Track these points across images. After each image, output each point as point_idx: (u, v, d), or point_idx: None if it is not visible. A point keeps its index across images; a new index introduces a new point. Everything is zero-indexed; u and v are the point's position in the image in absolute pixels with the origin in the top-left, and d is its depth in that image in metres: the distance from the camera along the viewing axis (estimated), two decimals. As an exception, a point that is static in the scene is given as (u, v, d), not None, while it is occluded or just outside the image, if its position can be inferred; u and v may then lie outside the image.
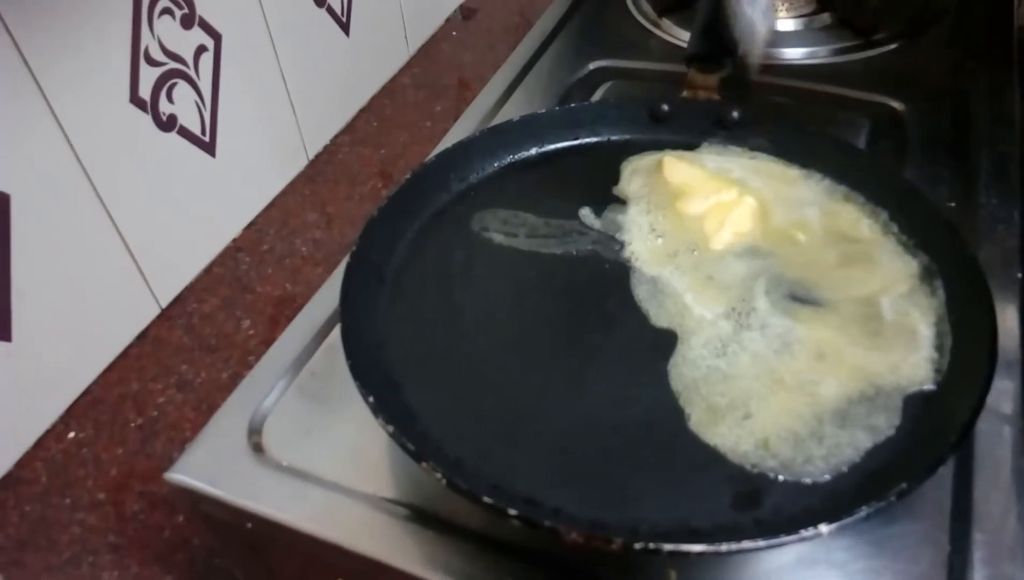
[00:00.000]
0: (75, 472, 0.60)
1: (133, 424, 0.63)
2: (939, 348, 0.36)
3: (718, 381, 0.36)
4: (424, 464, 0.31)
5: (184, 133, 0.69)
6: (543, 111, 0.50)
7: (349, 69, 0.89)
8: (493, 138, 0.48)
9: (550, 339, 0.39)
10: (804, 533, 0.28)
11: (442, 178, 0.46)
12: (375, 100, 0.94)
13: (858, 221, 0.41)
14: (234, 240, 0.78)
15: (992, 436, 0.36)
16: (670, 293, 0.40)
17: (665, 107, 0.49)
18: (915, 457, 0.31)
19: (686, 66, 0.52)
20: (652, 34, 0.68)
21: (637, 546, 0.28)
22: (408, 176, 0.45)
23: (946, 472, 0.36)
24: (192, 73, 0.69)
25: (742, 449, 0.33)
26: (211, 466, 0.39)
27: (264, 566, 0.42)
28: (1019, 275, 0.43)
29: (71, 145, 0.59)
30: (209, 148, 0.72)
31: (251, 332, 0.69)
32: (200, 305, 0.72)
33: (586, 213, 0.45)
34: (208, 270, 0.75)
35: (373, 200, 0.81)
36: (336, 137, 0.90)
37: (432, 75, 0.98)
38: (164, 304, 0.71)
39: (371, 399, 0.33)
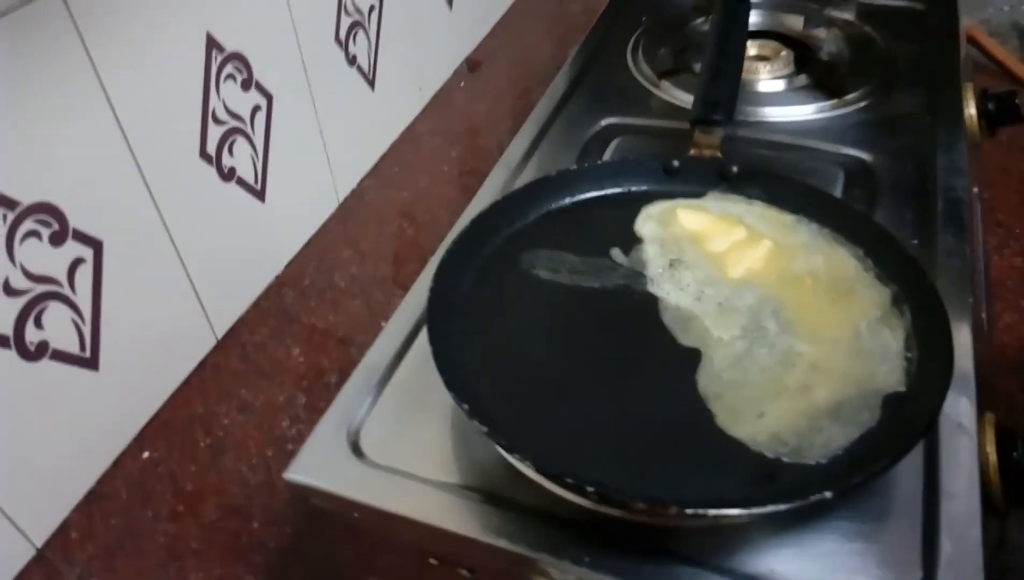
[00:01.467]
0: (153, 487, 0.67)
1: (202, 444, 0.70)
2: (908, 359, 0.45)
3: (736, 389, 0.45)
4: (516, 455, 0.39)
5: (241, 183, 0.78)
6: (574, 167, 0.59)
7: (374, 119, 0.98)
8: (534, 191, 0.57)
9: (595, 358, 0.48)
10: (814, 497, 0.36)
11: (494, 224, 0.55)
12: (396, 146, 1.04)
13: (845, 261, 0.51)
14: (277, 277, 0.86)
15: (952, 429, 0.46)
16: (692, 318, 0.49)
17: (676, 163, 0.59)
18: (893, 442, 0.40)
19: (690, 127, 0.62)
20: (653, 94, 0.78)
21: (688, 511, 0.36)
22: (468, 224, 0.54)
23: (918, 459, 0.45)
24: (249, 130, 0.77)
25: (759, 440, 0.42)
26: (322, 467, 0.47)
27: (365, 549, 0.50)
28: (969, 300, 0.53)
29: (152, 197, 0.67)
30: (260, 195, 0.81)
31: (300, 359, 0.77)
32: (252, 335, 0.80)
33: (616, 252, 0.54)
34: (256, 304, 0.83)
35: (400, 238, 0.90)
36: (363, 180, 0.98)
37: (445, 122, 1.07)
38: (220, 335, 0.79)
39: (465, 407, 0.42)
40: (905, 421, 0.42)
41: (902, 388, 0.44)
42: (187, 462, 0.69)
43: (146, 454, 0.70)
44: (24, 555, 0.62)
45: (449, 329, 0.47)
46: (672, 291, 0.50)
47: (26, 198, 0.57)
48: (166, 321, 0.72)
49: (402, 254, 0.88)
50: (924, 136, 0.68)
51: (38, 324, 0.59)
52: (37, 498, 0.63)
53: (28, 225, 0.57)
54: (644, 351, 0.48)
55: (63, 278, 0.61)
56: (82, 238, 0.62)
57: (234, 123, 0.75)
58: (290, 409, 0.72)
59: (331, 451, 0.48)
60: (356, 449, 0.48)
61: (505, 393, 0.46)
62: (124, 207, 0.65)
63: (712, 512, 0.36)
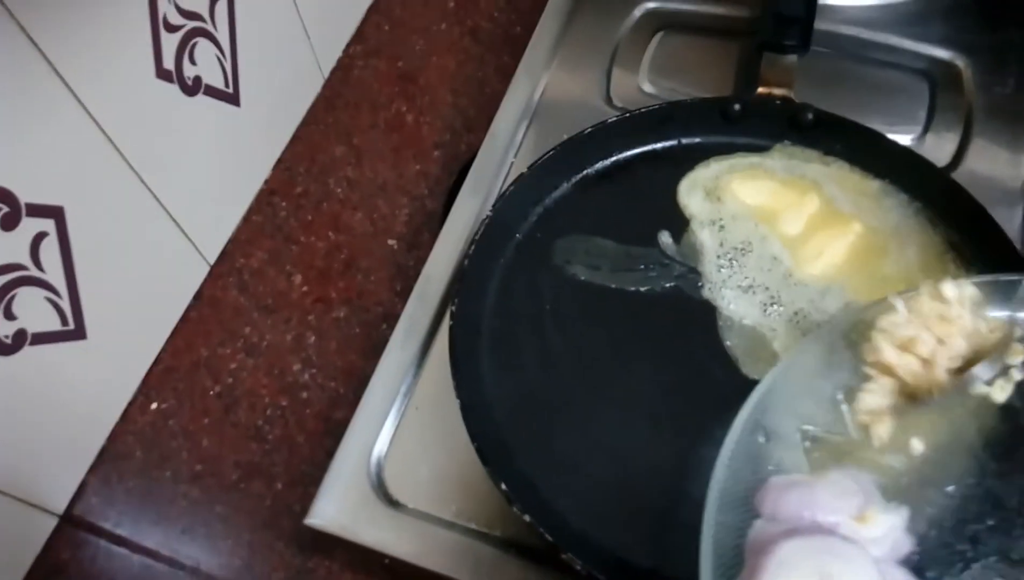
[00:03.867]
0: (167, 444, 0.64)
1: (212, 392, 0.66)
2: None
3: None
4: (565, 556, 0.35)
5: (210, 91, 0.66)
6: (612, 118, 0.49)
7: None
8: (565, 155, 0.48)
9: (646, 393, 0.42)
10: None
11: (521, 206, 0.47)
12: (382, -2, 0.88)
13: (942, 256, 0.43)
14: (266, 181, 0.76)
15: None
16: (758, 340, 0.42)
17: (737, 107, 0.49)
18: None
19: (756, 54, 0.50)
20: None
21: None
22: (489, 212, 0.45)
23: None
24: (210, 27, 0.64)
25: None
26: (344, 513, 0.43)
27: (396, 575, 0.48)
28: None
29: (110, 140, 0.57)
30: (234, 99, 0.69)
31: (304, 289, 0.71)
32: (247, 260, 0.73)
33: (665, 239, 0.46)
34: (247, 219, 0.74)
35: (398, 127, 0.80)
36: (348, 47, 0.85)
37: (438, -40, 0.90)
38: (212, 261, 0.72)
39: (504, 487, 0.37)
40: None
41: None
42: (199, 415, 0.65)
43: (154, 405, 0.66)
44: (47, 526, 0.61)
45: (473, 363, 0.41)
46: (734, 299, 0.43)
47: (-41, 190, 0.47)
48: (149, 262, 0.65)
49: (402, 149, 0.78)
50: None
51: (8, 315, 0.53)
52: (48, 471, 0.60)
53: (-30, 219, 0.48)
54: (703, 386, 0.42)
55: (26, 260, 0.53)
56: (38, 211, 0.53)
57: (191, 23, 0.62)
58: (300, 350, 0.68)
59: (354, 491, 0.44)
60: (381, 489, 0.44)
61: (547, 449, 0.41)
62: (80, 162, 0.55)
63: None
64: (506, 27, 0.84)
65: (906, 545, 0.33)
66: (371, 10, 0.87)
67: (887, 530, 0.32)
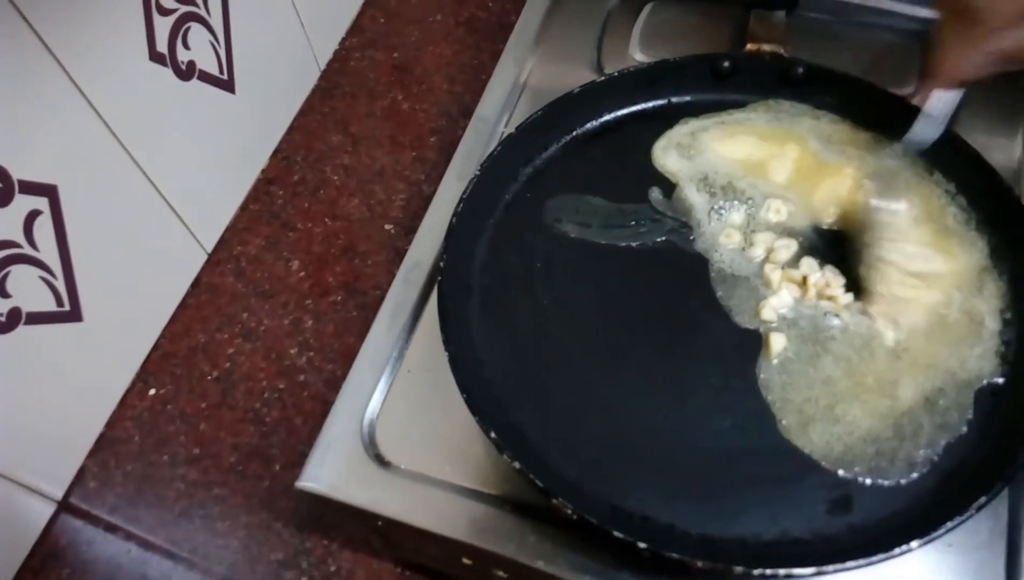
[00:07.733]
0: (165, 429, 0.64)
1: (209, 377, 0.66)
2: (1006, 341, 0.39)
3: (805, 385, 0.39)
4: (556, 501, 0.35)
5: (204, 77, 0.66)
6: (601, 77, 0.48)
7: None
8: (554, 115, 0.47)
9: (639, 346, 0.42)
10: (896, 551, 0.32)
11: (510, 166, 0.46)
12: (378, -11, 0.89)
13: (941, 204, 0.42)
14: (263, 171, 0.77)
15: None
16: (750, 289, 0.42)
17: (726, 64, 0.48)
18: (989, 457, 0.35)
19: (745, 12, 0.50)
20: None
21: (756, 572, 0.32)
22: (477, 171, 0.45)
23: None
24: (203, 12, 0.65)
25: (833, 454, 0.37)
26: (336, 475, 0.43)
27: (390, 542, 0.47)
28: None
29: (104, 121, 0.58)
30: (228, 86, 0.70)
31: (302, 274, 0.71)
32: (245, 247, 0.73)
33: (656, 196, 0.46)
34: (244, 207, 0.75)
35: (395, 116, 0.80)
36: (345, 40, 0.85)
37: (433, -47, 0.91)
38: (209, 249, 0.72)
39: (493, 435, 0.36)
40: (1002, 428, 0.36)
41: (998, 378, 0.38)
42: (196, 399, 0.65)
43: (152, 391, 0.66)
44: (45, 512, 0.61)
45: (463, 319, 0.41)
46: (725, 251, 0.43)
47: (-48, 165, 0.48)
48: (146, 248, 0.65)
49: (399, 136, 0.78)
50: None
51: (2, 293, 0.53)
52: (46, 456, 0.60)
53: (-37, 194, 0.49)
54: (696, 337, 0.41)
55: (20, 237, 0.53)
56: (32, 189, 0.53)
57: (184, 8, 0.63)
58: (297, 334, 0.67)
59: (346, 453, 0.43)
60: (373, 449, 0.43)
61: (539, 401, 0.40)
62: (73, 141, 0.56)
63: (783, 572, 0.32)
64: (500, 16, 0.84)
65: None
66: (367, 4, 0.87)
67: None
